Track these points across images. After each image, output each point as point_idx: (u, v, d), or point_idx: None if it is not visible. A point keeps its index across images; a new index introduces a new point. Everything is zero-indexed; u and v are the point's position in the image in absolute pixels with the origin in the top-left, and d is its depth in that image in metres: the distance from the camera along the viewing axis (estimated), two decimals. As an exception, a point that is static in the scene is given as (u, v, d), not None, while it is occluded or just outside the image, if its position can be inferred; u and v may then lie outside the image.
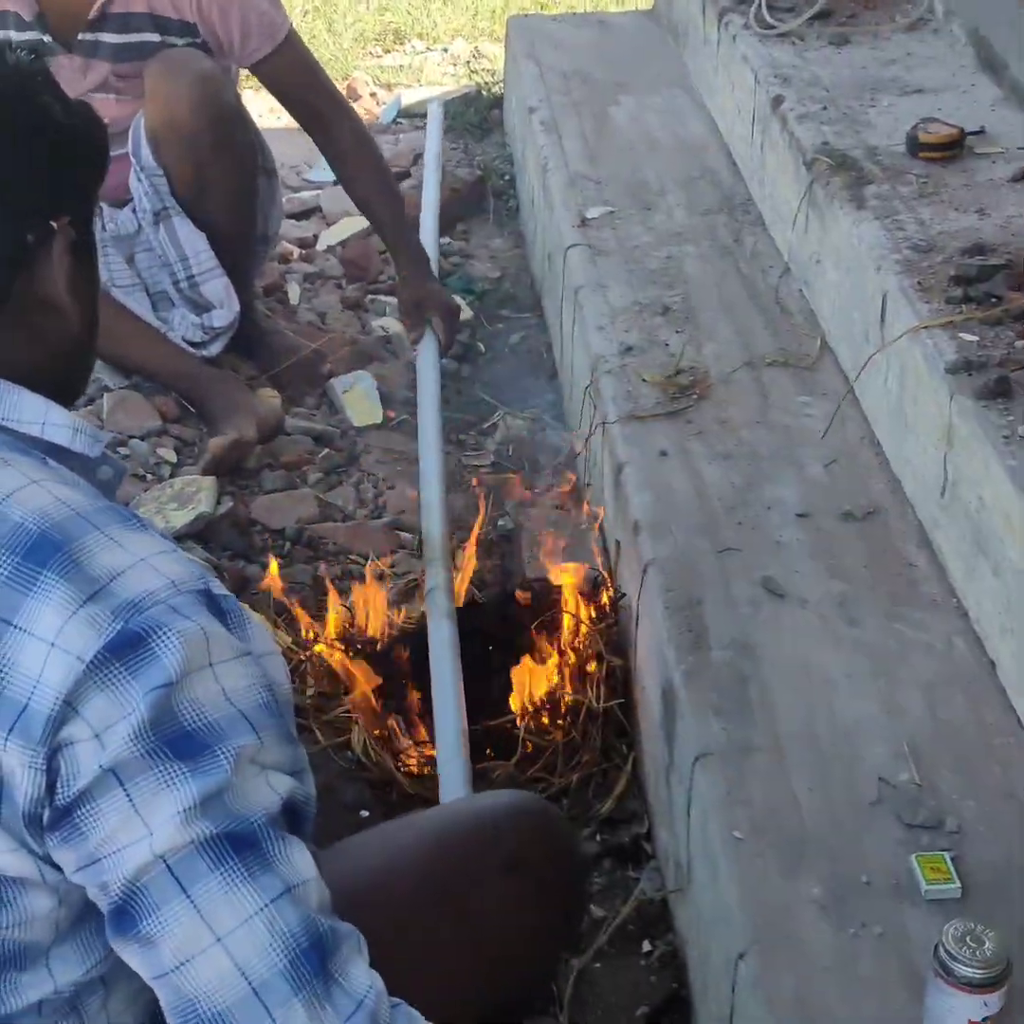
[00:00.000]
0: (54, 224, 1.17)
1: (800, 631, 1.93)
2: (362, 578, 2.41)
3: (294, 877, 1.04)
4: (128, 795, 1.01)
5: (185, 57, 2.84)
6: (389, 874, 1.43)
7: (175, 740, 1.02)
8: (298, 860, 1.05)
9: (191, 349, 2.95)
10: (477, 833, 1.49)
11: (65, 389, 1.24)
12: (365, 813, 2.02)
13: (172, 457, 2.73)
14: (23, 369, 1.17)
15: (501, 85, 4.43)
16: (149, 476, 2.66)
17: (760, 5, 3.23)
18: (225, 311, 2.99)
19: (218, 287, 2.98)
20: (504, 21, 5.18)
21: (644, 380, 2.47)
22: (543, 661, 2.19)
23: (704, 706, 1.81)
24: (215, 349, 3.00)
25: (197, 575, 1.08)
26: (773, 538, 2.10)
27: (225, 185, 2.90)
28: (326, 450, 2.85)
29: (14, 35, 2.85)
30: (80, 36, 2.87)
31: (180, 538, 2.48)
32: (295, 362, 3.07)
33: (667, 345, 2.57)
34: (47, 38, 2.87)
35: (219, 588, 1.10)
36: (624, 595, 2.20)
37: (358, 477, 2.79)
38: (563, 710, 2.16)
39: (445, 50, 5.14)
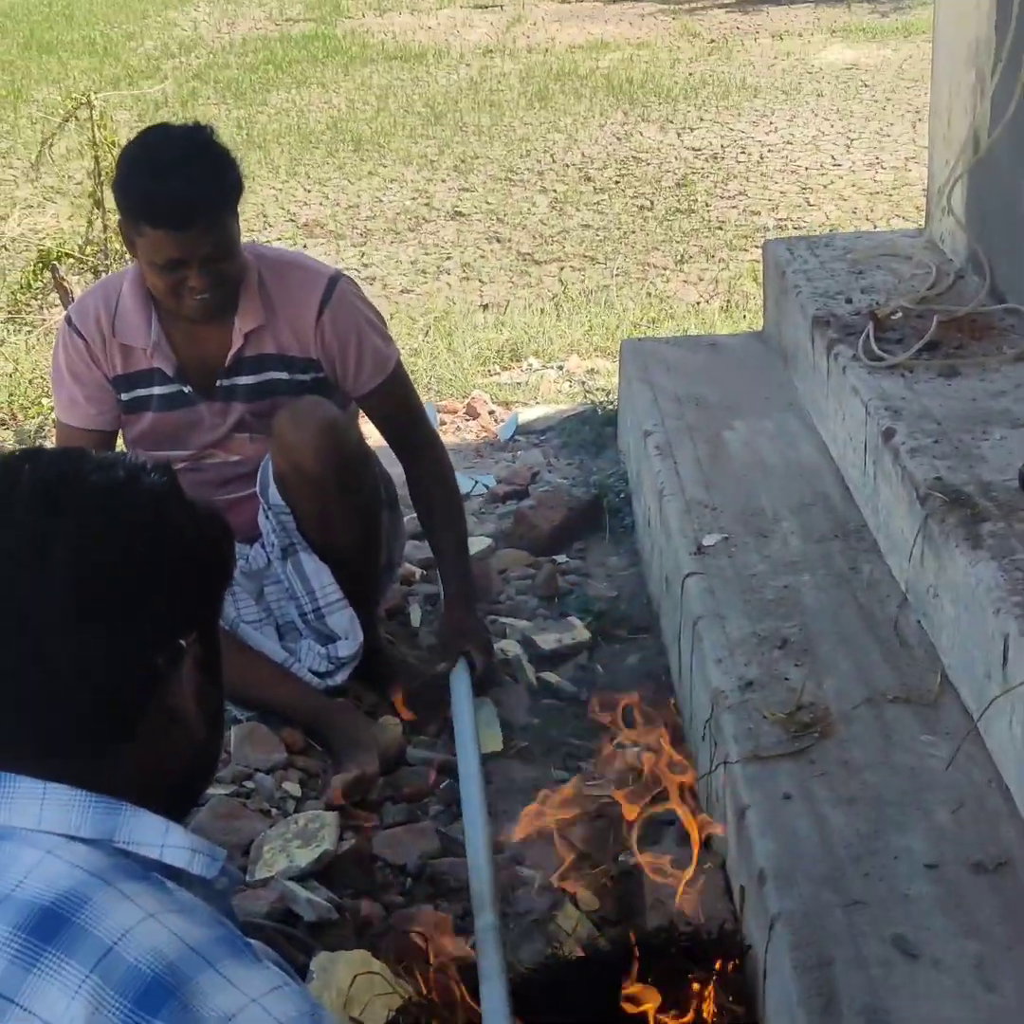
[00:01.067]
0: (183, 643, 1.20)
1: (935, 996, 1.87)
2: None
3: None
4: None
5: (311, 406, 3.00)
6: None
7: None
8: None
9: (317, 679, 3.03)
10: None
11: (187, 796, 1.28)
12: None
13: (297, 791, 2.77)
14: (145, 783, 1.18)
15: (615, 403, 4.58)
16: (274, 811, 2.69)
17: (868, 336, 3.33)
18: (350, 642, 3.08)
19: (343, 618, 3.07)
20: (617, 337, 5.41)
21: (765, 717, 2.48)
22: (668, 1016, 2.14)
23: (838, 1078, 1.76)
24: (340, 678, 3.08)
25: (307, 1013, 1.08)
26: (902, 891, 2.06)
27: (350, 525, 3.02)
28: (448, 781, 2.86)
29: (159, 389, 3.04)
30: (219, 383, 3.06)
31: (304, 877, 2.49)
32: (417, 689, 3.12)
33: (787, 679, 2.58)
34: (187, 389, 3.06)
35: (331, 1021, 1.10)
36: (750, 946, 2.16)
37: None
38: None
39: (560, 367, 5.33)
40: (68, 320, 3.08)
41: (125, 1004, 1.04)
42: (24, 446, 4.93)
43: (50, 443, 4.94)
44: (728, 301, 6.26)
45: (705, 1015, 2.11)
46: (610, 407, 4.62)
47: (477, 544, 3.80)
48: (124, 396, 3.08)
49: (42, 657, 1.13)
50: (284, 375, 3.08)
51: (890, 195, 7.74)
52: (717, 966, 2.16)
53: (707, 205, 7.78)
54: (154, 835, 1.16)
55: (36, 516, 1.15)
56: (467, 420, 4.87)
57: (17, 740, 1.16)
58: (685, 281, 6.66)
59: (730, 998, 2.13)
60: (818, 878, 2.10)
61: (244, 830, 2.62)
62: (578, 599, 3.57)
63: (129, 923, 1.08)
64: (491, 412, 4.91)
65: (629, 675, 3.28)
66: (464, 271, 7.03)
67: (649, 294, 6.37)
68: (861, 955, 1.94)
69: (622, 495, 4.05)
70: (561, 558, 3.79)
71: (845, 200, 7.73)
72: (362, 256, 7.30)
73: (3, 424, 5.17)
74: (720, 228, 7.44)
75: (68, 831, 1.14)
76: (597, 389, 4.93)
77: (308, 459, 2.96)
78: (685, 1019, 2.10)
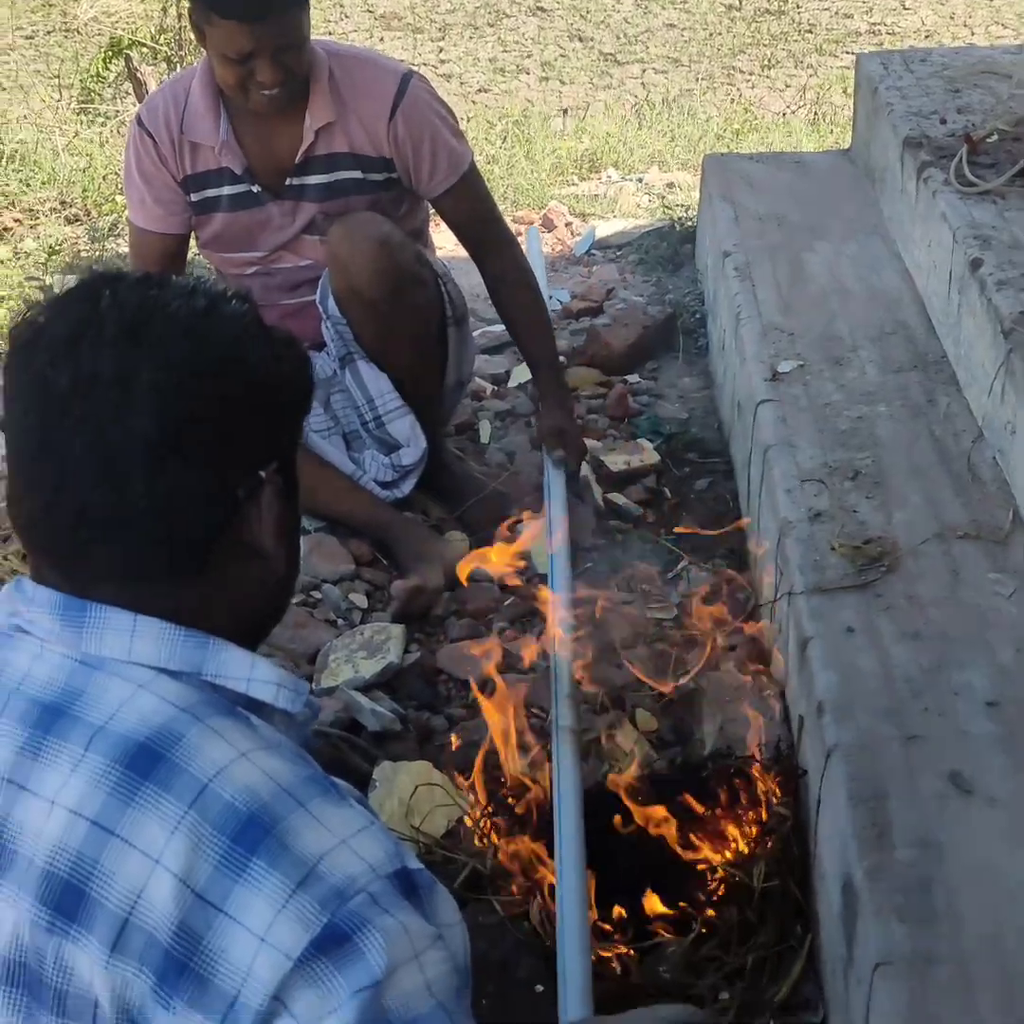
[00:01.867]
0: (263, 474, 1.20)
1: (989, 832, 1.88)
2: (543, 733, 2.44)
3: None
4: None
5: (365, 223, 2.95)
6: None
7: None
8: None
9: (383, 491, 3.04)
10: None
11: (263, 627, 1.28)
12: (540, 988, 2.03)
13: (363, 602, 2.80)
14: (229, 617, 1.20)
15: (693, 220, 4.48)
16: (341, 622, 2.73)
17: (961, 160, 3.22)
18: (412, 449, 3.07)
19: (404, 425, 3.06)
20: (699, 150, 5.27)
21: (832, 548, 2.47)
22: (722, 835, 2.18)
23: (887, 909, 1.78)
24: (406, 488, 3.08)
25: (392, 854, 1.10)
26: (961, 728, 2.07)
27: (408, 345, 2.99)
28: (512, 598, 2.89)
29: (228, 189, 3.00)
30: (288, 182, 3.01)
31: (368, 687, 2.54)
32: (483, 504, 3.12)
33: (856, 512, 2.56)
34: (256, 188, 3.01)
35: (413, 862, 1.12)
36: (805, 773, 2.18)
37: (541, 628, 2.82)
38: (739, 886, 2.15)
39: (640, 180, 5.22)
40: (138, 120, 3.03)
41: (223, 840, 1.06)
42: (96, 242, 4.92)
43: (123, 241, 4.93)
44: (815, 113, 6.07)
45: (757, 841, 2.15)
46: (689, 224, 4.52)
47: (548, 361, 3.77)
48: (194, 197, 3.05)
49: (123, 487, 1.13)
50: (356, 174, 3.02)
51: (991, 0, 7.42)
52: (771, 793, 2.20)
53: (798, 6, 7.51)
54: (241, 668, 1.17)
55: (118, 346, 1.13)
56: (543, 231, 4.79)
57: (106, 574, 1.16)
58: (771, 87, 6.47)
59: (783, 825, 2.16)
60: (877, 712, 2.11)
61: (311, 639, 2.67)
62: (649, 421, 3.54)
63: (222, 762, 1.09)
64: (567, 224, 4.82)
65: (697, 500, 3.28)
66: (543, 71, 6.85)
67: (733, 101, 6.18)
68: (916, 789, 1.96)
69: (697, 316, 3.99)
70: (633, 378, 3.76)
71: (942, 4, 7.43)
72: (440, 52, 7.13)
73: (77, 220, 5.14)
74: (810, 31, 7.19)
75: (157, 663, 1.15)
76: (677, 204, 4.83)
77: (362, 279, 2.91)
78: (739, 843, 2.14)
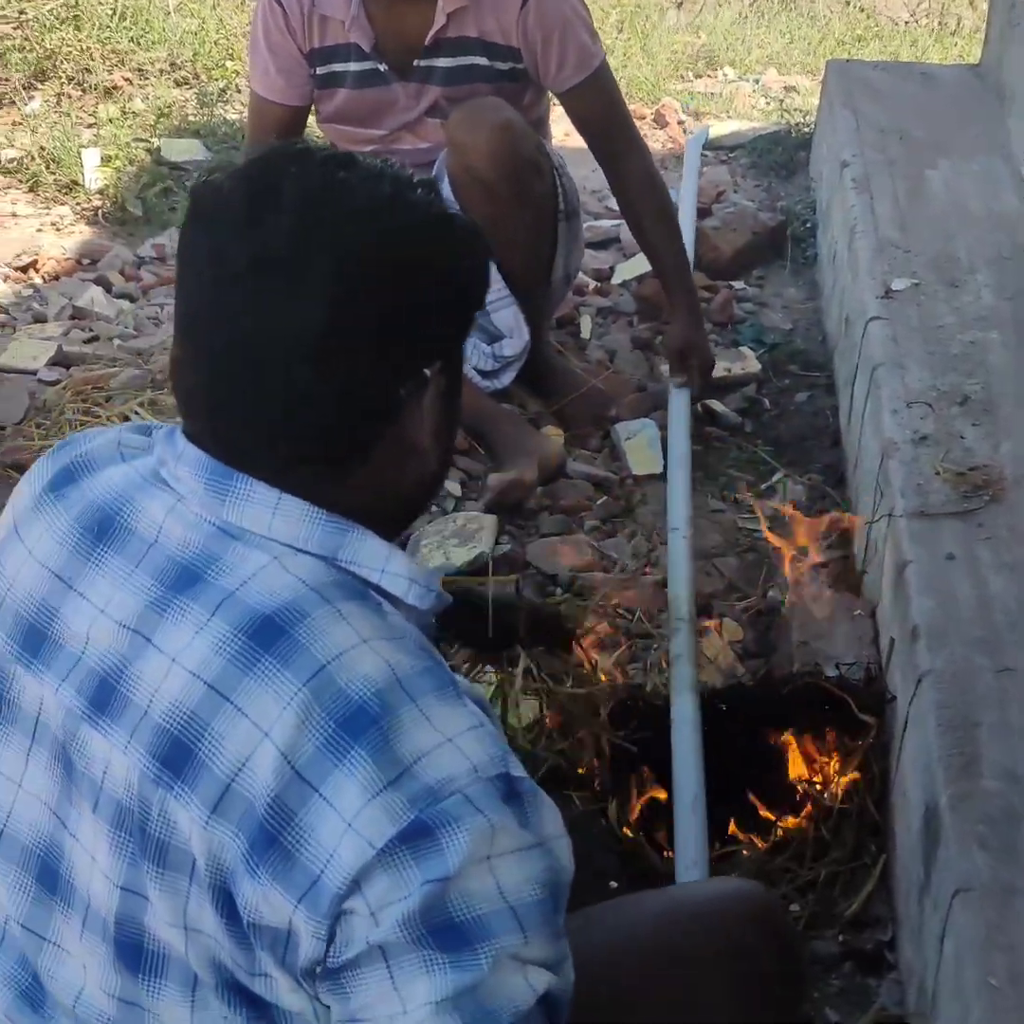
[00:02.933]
0: (427, 373, 1.17)
1: (1077, 770, 1.88)
2: (627, 633, 2.45)
3: None
4: (391, 973, 1.04)
5: (487, 107, 2.91)
6: (613, 952, 1.42)
7: (441, 931, 1.04)
8: None
9: (483, 381, 3.03)
10: (699, 919, 1.48)
11: (406, 521, 1.28)
12: (614, 884, 2.05)
13: (457, 490, 2.81)
14: (374, 508, 1.18)
15: (811, 126, 4.39)
16: (434, 507, 2.74)
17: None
18: (515, 340, 3.05)
19: (507, 316, 3.04)
20: (819, 54, 5.15)
21: (936, 474, 2.44)
22: (804, 751, 2.19)
23: (969, 837, 1.78)
24: (506, 379, 3.07)
25: (498, 757, 1.09)
26: (1057, 663, 2.05)
27: (521, 235, 2.95)
28: (605, 497, 2.88)
29: (354, 65, 2.97)
30: (415, 63, 2.97)
31: (458, 575, 2.56)
32: (582, 401, 3.11)
33: (963, 438, 2.53)
34: (383, 67, 2.98)
35: (518, 769, 1.10)
36: (894, 698, 2.18)
37: (633, 529, 2.82)
38: (817, 802, 2.17)
39: (757, 81, 5.11)
40: None
41: (330, 723, 1.06)
42: (205, 106, 4.90)
43: (232, 106, 4.91)
44: (940, 24, 5.90)
45: (838, 760, 2.16)
46: (806, 130, 4.43)
47: (653, 261, 3.73)
48: (319, 70, 3.02)
49: (289, 372, 1.12)
50: (483, 61, 2.98)
51: None
52: (855, 713, 2.20)
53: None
54: (377, 559, 1.16)
55: (298, 228, 1.10)
56: (654, 128, 4.71)
57: (257, 451, 1.15)
58: (890, -8, 6.27)
59: (865, 746, 2.17)
60: (972, 641, 2.09)
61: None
62: (752, 329, 3.50)
63: (343, 645, 1.09)
64: (680, 122, 4.74)
65: (796, 412, 3.25)
66: (655, -43, 6.68)
67: (849, 4, 6.01)
68: (1007, 721, 1.95)
69: (808, 225, 3.92)
70: (738, 284, 3.71)
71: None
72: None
73: (186, 83, 5.11)
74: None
75: (295, 543, 1.14)
76: (794, 109, 4.73)
77: (480, 163, 2.88)
78: (822, 759, 2.15)
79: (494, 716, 1.18)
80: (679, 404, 3.02)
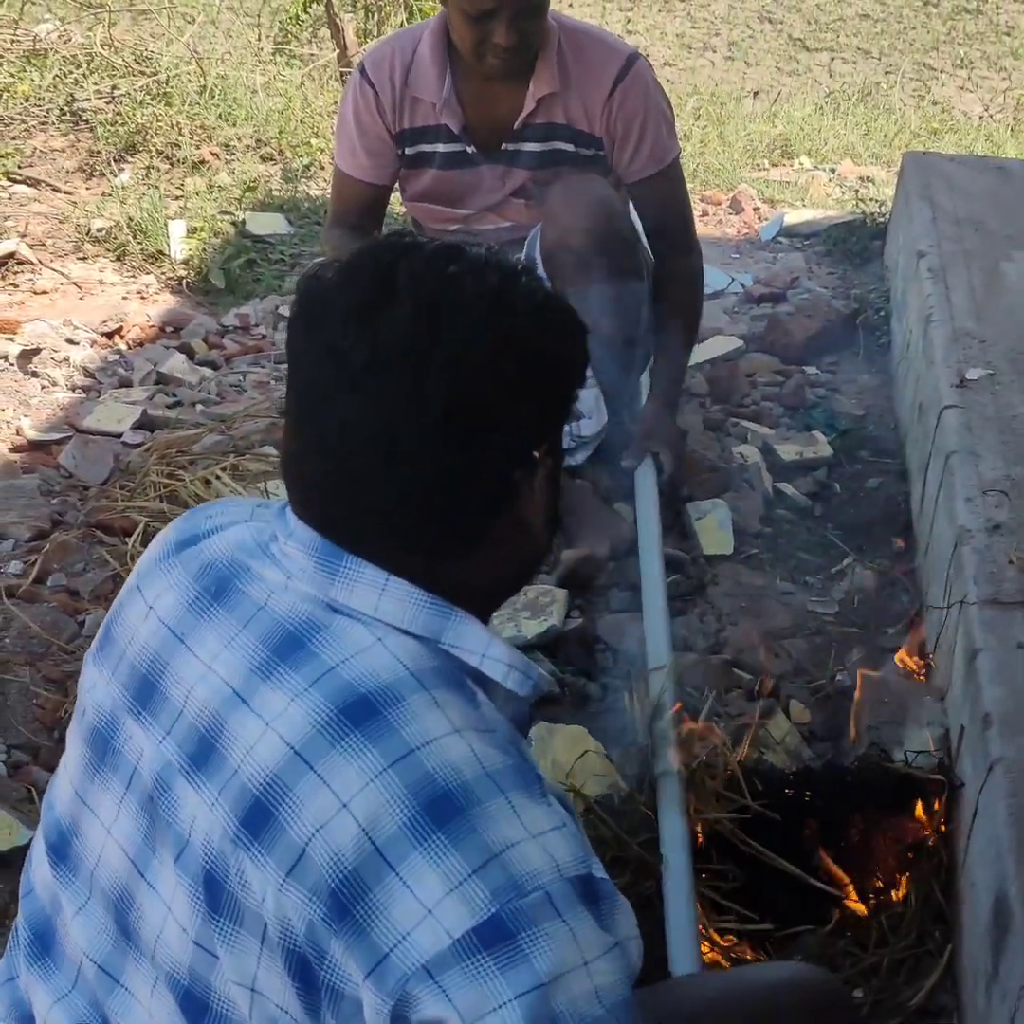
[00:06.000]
0: (537, 455, 1.20)
1: None
2: (694, 712, 2.45)
3: None
4: None
5: (587, 184, 2.97)
6: None
7: None
8: None
9: (557, 456, 3.06)
10: (761, 1006, 1.46)
11: (503, 600, 1.30)
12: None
13: (530, 564, 2.84)
14: (482, 588, 1.22)
15: (886, 216, 4.43)
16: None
17: None
18: (593, 422, 3.09)
19: (589, 397, 3.08)
20: (895, 145, 5.20)
21: (1010, 562, 2.44)
22: (869, 836, 2.19)
23: (1040, 929, 1.78)
24: (580, 457, 3.11)
25: (581, 859, 1.10)
26: None
27: (610, 309, 2.99)
28: (675, 576, 2.90)
29: (442, 147, 3.04)
30: (503, 146, 3.04)
31: (529, 647, 2.58)
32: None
33: (1037, 528, 2.54)
34: (471, 149, 3.05)
35: (599, 870, 1.11)
36: (963, 785, 2.18)
37: (703, 608, 2.83)
38: (883, 887, 2.16)
39: (833, 170, 5.17)
40: (361, 69, 3.07)
41: (415, 805, 1.07)
42: (289, 182, 5.00)
43: (315, 183, 5.01)
44: (1015, 119, 5.95)
45: (906, 851, 2.15)
46: (881, 219, 4.47)
47: (727, 344, 3.77)
48: (408, 150, 3.08)
49: (405, 464, 1.15)
50: (570, 147, 3.04)
51: None
52: (925, 803, 2.20)
53: (997, 7, 7.33)
54: (479, 644, 1.19)
55: (414, 324, 1.13)
56: (730, 214, 4.77)
57: (371, 537, 1.18)
58: (961, 87, 6.33)
59: (937, 833, 2.16)
60: (1044, 731, 2.09)
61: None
62: (824, 413, 3.52)
63: (435, 733, 1.10)
64: (756, 209, 4.80)
65: (867, 498, 3.26)
66: (730, 50, 6.79)
67: (929, 101, 6.08)
68: (1079, 813, 1.94)
69: (882, 313, 3.95)
70: (811, 369, 3.74)
71: None
72: (627, 23, 7.09)
73: (271, 159, 5.23)
74: (1008, 34, 7.02)
75: (400, 624, 1.17)
76: (869, 199, 4.77)
77: (577, 237, 2.94)
78: (890, 844, 2.15)
79: (576, 816, 1.19)
80: (645, 484, 2.98)
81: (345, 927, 1.07)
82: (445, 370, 1.13)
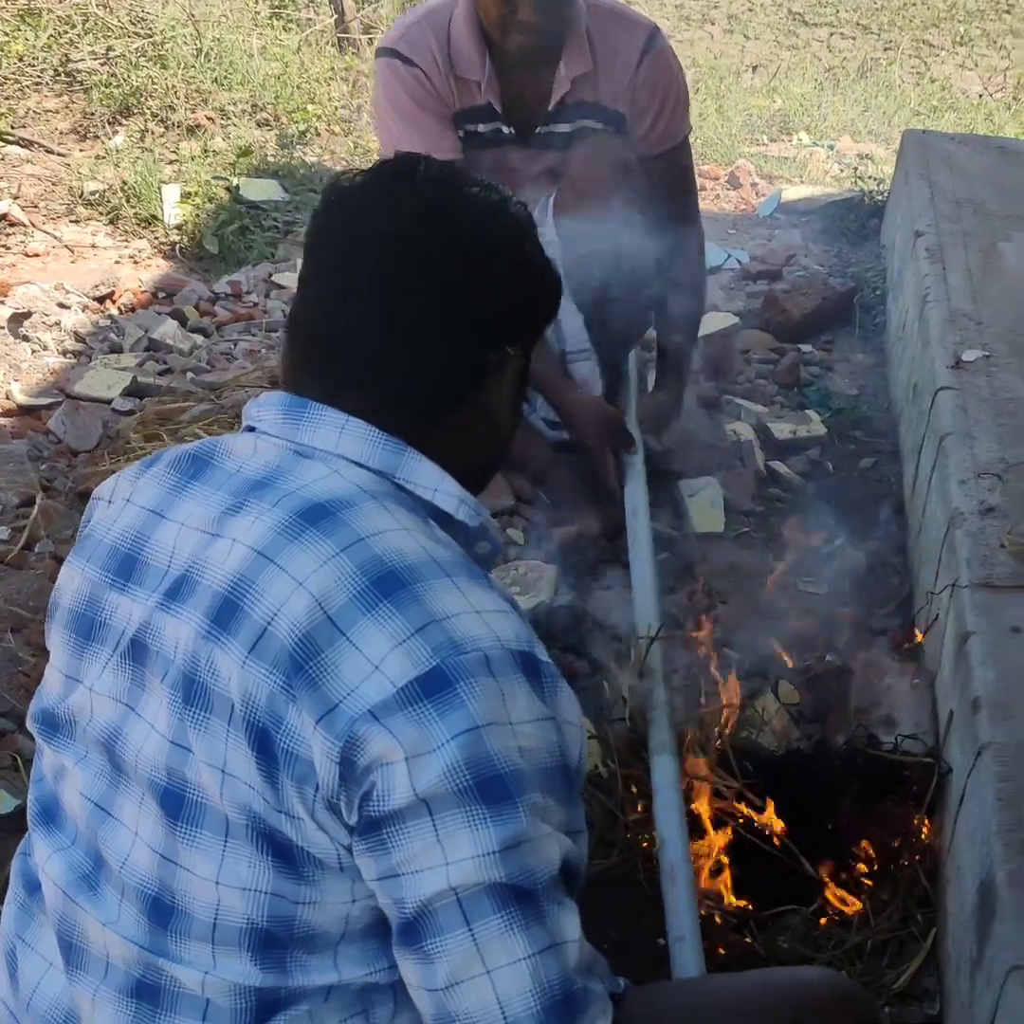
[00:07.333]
0: (510, 351, 1.37)
1: None
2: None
3: (561, 936, 1.17)
4: (435, 826, 1.14)
5: (608, 143, 2.96)
6: None
7: (485, 782, 1.14)
8: (567, 922, 1.18)
9: (551, 431, 3.05)
10: (781, 1010, 1.43)
11: (476, 483, 1.40)
12: (661, 941, 2.04)
13: (520, 538, 2.83)
14: (444, 462, 1.32)
15: (884, 194, 4.41)
16: (497, 556, 2.74)
17: None
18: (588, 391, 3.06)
19: (584, 370, 3.06)
20: (895, 123, 5.17)
21: (1003, 546, 2.43)
22: (855, 819, 2.18)
23: (1026, 914, 1.77)
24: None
25: (525, 638, 1.20)
26: (1120, 744, 2.04)
27: (618, 263, 2.96)
28: (665, 553, 2.89)
29: (483, 126, 2.98)
30: (538, 129, 3.00)
31: (518, 622, 2.56)
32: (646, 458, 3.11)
33: (1030, 511, 2.52)
34: (508, 129, 3.00)
35: (543, 654, 1.21)
36: (950, 770, 2.17)
37: (692, 586, 2.82)
38: (868, 869, 2.16)
39: (831, 147, 5.13)
40: (393, 53, 2.96)
41: (363, 580, 1.19)
42: (285, 148, 4.97)
43: (309, 149, 4.97)
44: (1015, 98, 5.92)
45: (895, 832, 2.15)
46: (879, 197, 4.44)
47: (722, 320, 3.75)
48: (460, 131, 3.02)
49: (398, 330, 1.31)
50: (597, 125, 3.01)
51: None
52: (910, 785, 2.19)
53: (1000, -18, 7.29)
54: (431, 479, 1.31)
55: (425, 212, 1.31)
56: (728, 189, 4.74)
57: (352, 391, 1.32)
58: (961, 65, 6.29)
59: (922, 816, 2.16)
60: (1035, 716, 2.08)
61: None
62: (818, 392, 3.51)
63: (383, 527, 1.23)
64: (754, 184, 4.77)
65: (859, 477, 3.25)
66: (729, 23, 6.74)
67: (928, 79, 6.04)
68: (1068, 799, 1.94)
69: (878, 292, 3.93)
70: (806, 347, 3.73)
71: None
72: (628, -9, 7.03)
73: (267, 124, 5.19)
74: (1008, 12, 6.98)
75: (358, 458, 1.30)
76: (867, 177, 4.74)
77: (591, 189, 2.91)
78: (875, 827, 2.15)
79: (526, 619, 1.27)
80: (633, 458, 2.96)
81: (300, 687, 1.17)
82: (437, 253, 1.32)
